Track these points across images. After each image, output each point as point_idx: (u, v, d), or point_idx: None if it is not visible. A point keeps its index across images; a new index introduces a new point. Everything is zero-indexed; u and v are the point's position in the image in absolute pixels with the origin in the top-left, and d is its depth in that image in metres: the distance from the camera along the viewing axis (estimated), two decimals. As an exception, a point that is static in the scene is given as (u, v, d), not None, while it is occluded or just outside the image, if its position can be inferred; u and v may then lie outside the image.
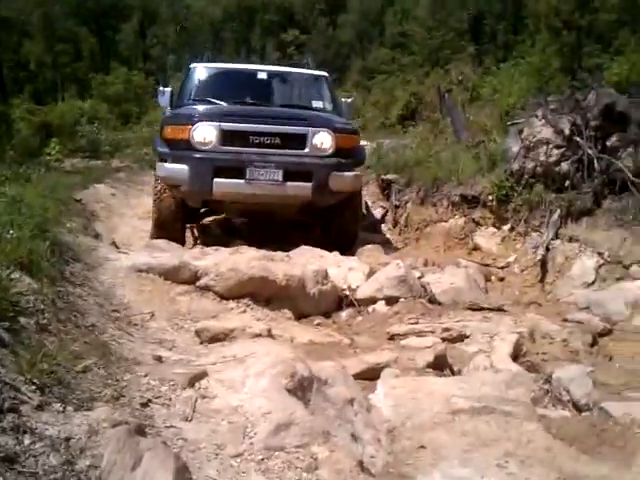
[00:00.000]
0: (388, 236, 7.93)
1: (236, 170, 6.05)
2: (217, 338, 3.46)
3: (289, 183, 6.11)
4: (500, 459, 2.43)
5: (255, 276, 4.25)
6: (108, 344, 2.85)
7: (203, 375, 2.49)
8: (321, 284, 4.63)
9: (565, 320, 4.62)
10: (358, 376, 3.21)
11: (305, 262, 5.02)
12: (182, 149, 6.19)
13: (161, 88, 7.59)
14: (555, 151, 5.99)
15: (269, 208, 6.69)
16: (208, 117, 6.29)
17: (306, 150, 6.27)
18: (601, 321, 4.58)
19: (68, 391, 2.02)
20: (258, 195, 6.14)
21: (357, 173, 6.67)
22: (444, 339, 4.00)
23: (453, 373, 3.51)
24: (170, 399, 2.29)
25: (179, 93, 7.45)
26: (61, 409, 1.85)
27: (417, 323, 4.26)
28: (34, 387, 1.91)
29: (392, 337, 4.10)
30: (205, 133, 6.14)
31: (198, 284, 4.25)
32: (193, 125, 6.15)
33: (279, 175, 6.06)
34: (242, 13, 62.57)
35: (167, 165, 6.26)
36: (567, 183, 5.87)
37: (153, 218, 6.70)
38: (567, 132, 5.96)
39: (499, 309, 4.73)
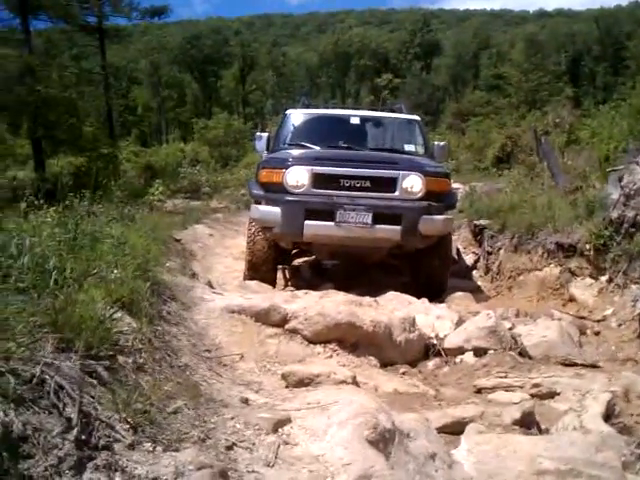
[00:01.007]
0: (479, 283, 7.80)
1: (326, 212, 6.14)
2: (303, 382, 3.51)
3: (378, 226, 6.14)
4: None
5: (342, 322, 4.29)
6: (198, 384, 2.96)
7: (287, 421, 2.54)
8: (408, 332, 4.60)
9: (664, 381, 4.35)
10: (442, 429, 3.16)
11: (392, 308, 5.01)
12: (276, 192, 6.34)
13: (258, 133, 7.87)
14: (657, 200, 5.73)
15: (358, 251, 6.72)
16: (301, 161, 6.46)
17: (396, 193, 6.31)
18: None
19: (159, 431, 2.12)
20: (347, 237, 6.20)
21: (448, 217, 6.64)
22: (533, 395, 3.87)
23: (540, 431, 3.37)
24: (254, 443, 2.35)
25: (275, 138, 7.70)
26: (151, 449, 1.95)
27: (506, 377, 4.14)
28: (128, 426, 2.01)
29: (479, 390, 4.01)
30: (298, 176, 6.29)
31: (287, 327, 4.34)
32: (286, 169, 6.33)
33: (368, 218, 6.12)
34: (338, 59, 64.24)
35: (261, 207, 6.45)
36: (670, 234, 5.59)
37: (246, 259, 6.87)
38: (670, 180, 5.71)
39: (593, 365, 4.52)
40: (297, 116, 7.89)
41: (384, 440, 2.43)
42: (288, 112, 8.00)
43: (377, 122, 8.11)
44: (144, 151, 27.66)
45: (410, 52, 67.75)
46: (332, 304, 4.56)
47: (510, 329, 4.90)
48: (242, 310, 4.37)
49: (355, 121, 7.74)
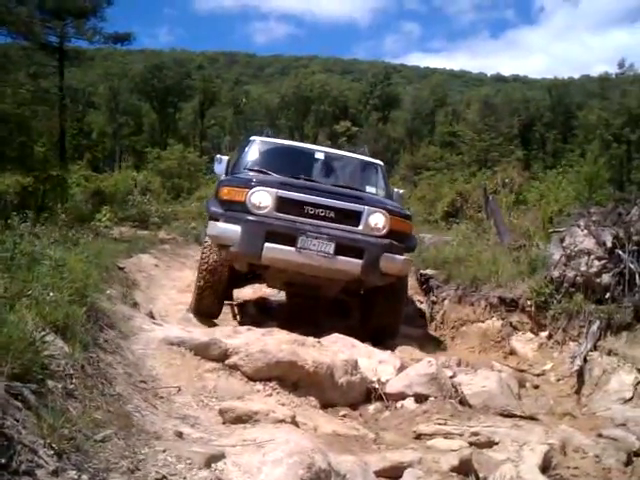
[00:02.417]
0: (422, 332, 7.84)
1: (288, 237, 5.97)
2: (240, 419, 3.42)
3: (340, 257, 5.99)
4: None
5: (284, 360, 4.23)
6: (131, 415, 2.85)
7: (221, 457, 2.47)
8: (350, 374, 4.57)
9: (599, 435, 4.42)
10: (380, 473, 3.13)
11: (336, 350, 4.98)
12: (237, 211, 6.14)
13: (218, 156, 7.73)
14: (596, 262, 5.94)
15: (314, 282, 6.51)
16: (266, 183, 6.29)
17: (359, 227, 6.21)
18: (638, 439, 4.37)
19: (85, 459, 2.03)
20: (307, 265, 6.02)
21: (407, 258, 6.50)
22: (471, 443, 3.87)
23: (478, 480, 3.38)
24: (185, 477, 2.27)
25: (235, 163, 7.57)
26: (76, 477, 1.86)
27: (445, 424, 4.14)
28: (52, 452, 1.92)
29: (418, 436, 4.00)
30: (261, 198, 6.11)
31: (227, 362, 4.25)
32: (250, 189, 6.15)
33: (331, 248, 5.97)
34: (298, 102, 65.10)
35: (220, 224, 6.15)
36: (607, 295, 5.78)
37: (197, 282, 6.60)
38: (609, 244, 5.93)
39: (531, 418, 4.57)
40: (261, 144, 7.76)
41: (319, 480, 2.37)
42: (252, 138, 7.87)
43: (341, 160, 8.01)
44: (95, 176, 27.16)
45: (370, 103, 69.20)
46: (274, 342, 4.52)
47: (451, 377, 4.92)
48: (181, 342, 4.28)
49: (319, 156, 7.67)
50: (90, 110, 53.29)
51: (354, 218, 6.22)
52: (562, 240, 6.48)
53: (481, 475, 3.43)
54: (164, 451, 2.43)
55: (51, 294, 3.23)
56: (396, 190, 8.07)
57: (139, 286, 8.18)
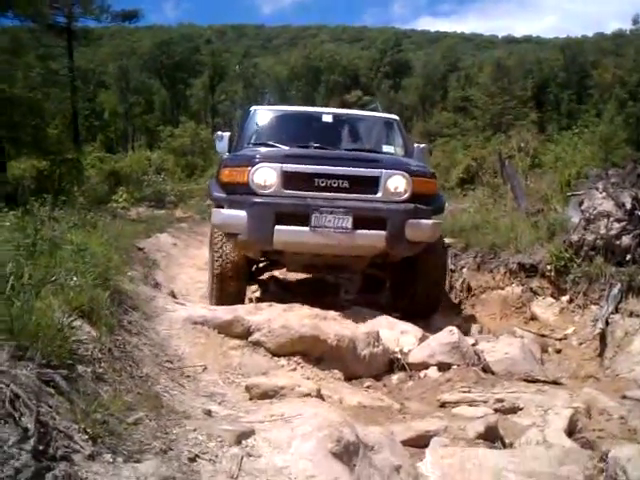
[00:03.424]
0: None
1: (300, 216, 5.39)
2: (266, 395, 3.47)
3: (359, 231, 5.42)
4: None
5: (306, 335, 4.27)
6: (160, 395, 2.90)
7: (250, 433, 2.51)
8: (372, 346, 4.61)
9: (624, 397, 4.42)
10: (406, 443, 3.16)
11: (358, 323, 5.01)
12: (240, 193, 5.59)
13: (219, 133, 7.04)
14: (616, 224, 5.87)
15: (336, 261, 6.01)
16: (269, 159, 5.67)
17: (378, 195, 5.60)
18: (662, 399, 4.39)
19: (119, 442, 2.07)
20: (324, 245, 5.49)
21: (436, 221, 5.89)
22: (496, 410, 3.90)
23: (504, 446, 3.39)
24: (217, 455, 2.31)
25: (238, 138, 6.96)
26: (111, 460, 1.90)
27: (469, 392, 4.17)
28: (87, 436, 1.96)
29: (443, 404, 4.03)
30: (265, 175, 5.53)
31: (250, 339, 4.30)
32: (252, 167, 5.55)
33: (348, 222, 5.40)
34: (308, 73, 64.64)
35: (223, 211, 5.65)
36: (628, 257, 5.73)
37: (213, 275, 5.93)
38: (629, 206, 5.86)
39: (555, 382, 4.59)
40: (263, 114, 7.08)
41: (348, 453, 2.41)
42: (252, 109, 7.18)
43: (352, 121, 7.31)
44: (109, 157, 27.31)
45: (380, 70, 68.58)
46: (296, 317, 4.55)
47: (473, 345, 4.94)
48: (205, 321, 4.33)
49: (327, 119, 6.99)
50: (101, 90, 53.27)
51: (371, 185, 5.62)
52: (580, 203, 6.41)
53: (507, 441, 3.45)
54: (194, 430, 2.48)
55: (75, 279, 3.27)
56: (416, 145, 7.22)
57: (159, 266, 8.26)
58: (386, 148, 6.87)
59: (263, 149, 6.17)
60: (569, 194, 7.21)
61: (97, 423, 2.05)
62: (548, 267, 6.41)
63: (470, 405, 3.93)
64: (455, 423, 3.48)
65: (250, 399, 3.46)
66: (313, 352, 4.31)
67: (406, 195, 5.64)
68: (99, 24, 32.25)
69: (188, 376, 3.56)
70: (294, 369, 4.14)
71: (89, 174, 20.73)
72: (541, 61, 63.92)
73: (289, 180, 5.54)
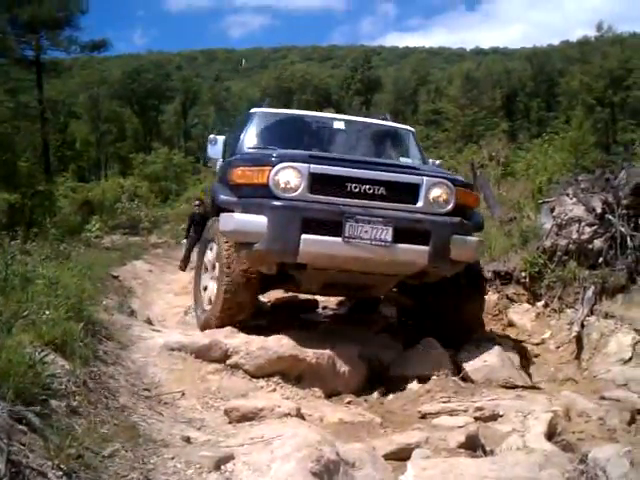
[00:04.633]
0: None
1: (331, 224, 4.58)
2: (246, 417, 3.45)
3: (400, 245, 4.64)
4: None
5: (285, 355, 4.26)
6: (137, 425, 2.88)
7: (230, 458, 2.49)
8: (351, 362, 4.61)
9: (602, 398, 4.49)
10: (388, 456, 3.16)
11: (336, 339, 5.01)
12: (257, 196, 4.78)
13: (212, 136, 6.38)
14: (587, 229, 5.98)
15: (363, 279, 5.17)
16: (294, 158, 4.84)
17: (419, 205, 4.83)
18: (639, 398, 4.46)
19: (95, 475, 2.05)
20: (359, 259, 4.66)
21: (479, 239, 5.32)
22: (477, 418, 3.92)
23: (485, 453, 3.41)
24: (196, 482, 2.29)
25: (234, 143, 6.18)
26: (87, 494, 1.88)
27: (449, 402, 4.19)
28: (61, 472, 1.94)
29: (424, 416, 4.04)
30: (290, 177, 4.68)
31: (228, 362, 4.27)
32: (274, 166, 4.70)
33: (388, 234, 4.60)
34: (280, 94, 64.89)
35: (237, 216, 4.78)
36: (600, 260, 5.82)
37: (221, 295, 5.07)
38: (599, 210, 5.97)
39: (534, 387, 4.64)
40: (266, 117, 6.33)
41: (329, 471, 2.41)
42: (254, 111, 6.42)
43: (366, 129, 6.62)
44: (82, 186, 27.19)
45: (351, 88, 69.11)
46: (274, 338, 4.52)
47: (451, 355, 4.97)
48: (182, 347, 4.29)
49: (339, 126, 6.31)
50: (72, 120, 53.01)
51: (411, 193, 4.86)
52: (552, 210, 6.51)
53: (488, 448, 3.47)
54: (173, 458, 2.46)
55: (47, 312, 3.26)
56: (431, 161, 6.70)
57: (135, 293, 8.21)
58: (403, 160, 6.22)
59: (281, 150, 5.29)
60: (541, 201, 7.33)
61: (71, 458, 2.03)
62: (523, 274, 6.49)
63: (450, 415, 3.95)
64: (436, 434, 3.49)
65: (229, 423, 3.44)
66: (292, 371, 4.30)
67: (449, 207, 4.90)
68: (68, 55, 32.22)
69: (166, 403, 3.53)
70: (273, 390, 4.13)
71: (62, 204, 20.59)
72: (509, 71, 65.01)
73: (317, 183, 4.72)
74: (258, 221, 4.59)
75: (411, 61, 79.63)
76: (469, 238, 4.94)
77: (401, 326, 6.07)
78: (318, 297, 7.57)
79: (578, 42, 63.64)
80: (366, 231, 4.59)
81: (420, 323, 5.69)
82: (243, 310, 5.13)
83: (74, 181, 30.07)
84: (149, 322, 5.90)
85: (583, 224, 6.04)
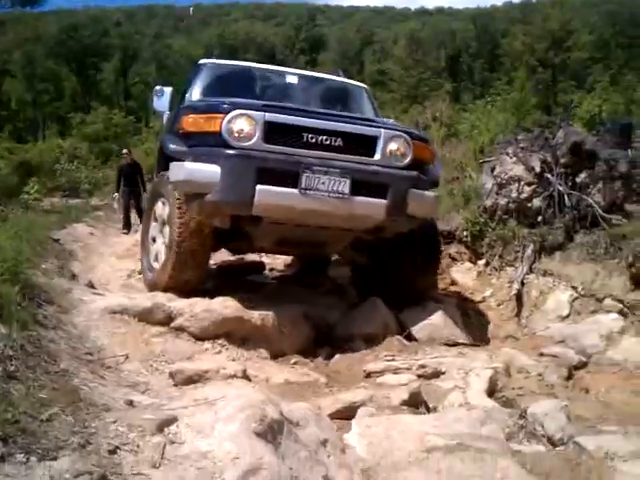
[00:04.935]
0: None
1: (288, 175, 4.43)
2: (191, 380, 3.43)
3: (358, 198, 4.54)
4: (474, 497, 2.43)
5: (230, 316, 4.24)
6: (79, 389, 2.81)
7: (173, 420, 2.47)
8: (297, 322, 4.63)
9: (541, 354, 4.66)
10: (334, 415, 3.20)
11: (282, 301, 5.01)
12: (209, 145, 4.56)
13: (158, 87, 6.06)
14: (527, 188, 6.11)
15: (318, 236, 5.06)
16: (248, 106, 4.63)
17: (376, 157, 4.71)
18: (576, 354, 4.64)
19: (33, 440, 1.99)
20: (315, 212, 4.53)
21: (437, 194, 5.26)
22: (420, 376, 4.01)
23: (428, 410, 3.50)
24: (138, 445, 2.26)
25: (182, 96, 5.95)
26: (24, 460, 1.83)
27: (393, 360, 4.27)
28: (-4, 438, 1.88)
29: (369, 375, 4.11)
30: (244, 125, 4.48)
31: (173, 325, 4.23)
32: (227, 114, 4.49)
33: (346, 186, 4.49)
34: (223, 52, 63.45)
35: (188, 165, 4.50)
36: (539, 219, 5.98)
37: (173, 248, 4.82)
38: (538, 169, 6.09)
39: (475, 344, 4.76)
40: (216, 68, 6.09)
41: (272, 431, 2.41)
42: (203, 62, 6.21)
43: (320, 84, 6.41)
44: (19, 147, 26.15)
45: (296, 47, 68.24)
46: (219, 300, 4.48)
47: (396, 314, 5.04)
48: (124, 310, 4.21)
49: (292, 80, 6.13)
50: (6, 79, 50.70)
51: (368, 146, 4.74)
52: (493, 169, 6.62)
53: (431, 405, 3.57)
54: (115, 422, 2.42)
55: (-21, 276, 3.13)
56: (385, 119, 6.38)
57: (76, 256, 7.97)
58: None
59: (235, 98, 5.02)
60: (482, 161, 7.44)
61: (7, 423, 1.97)
62: (464, 233, 6.63)
63: (395, 373, 4.02)
64: (380, 392, 3.55)
65: (174, 385, 3.42)
66: (237, 333, 4.29)
67: (406, 160, 4.80)
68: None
69: (109, 367, 3.47)
70: (219, 352, 4.11)
71: (-2, 166, 19.79)
72: (454, 32, 65.18)
73: (272, 132, 4.52)
74: (211, 170, 4.38)
75: (356, 20, 78.88)
76: (427, 193, 4.88)
77: (355, 286, 6.04)
78: (265, 259, 7.60)
79: (520, 3, 64.30)
80: (323, 183, 4.46)
81: (374, 283, 5.60)
82: (195, 268, 4.90)
83: (10, 142, 28.86)
84: (91, 286, 5.75)
85: (523, 183, 6.16)
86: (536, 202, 6.06)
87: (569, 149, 5.98)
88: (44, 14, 58.73)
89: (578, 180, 5.96)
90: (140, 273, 6.74)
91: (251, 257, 7.30)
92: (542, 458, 2.89)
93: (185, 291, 4.78)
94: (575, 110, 11.62)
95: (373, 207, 4.61)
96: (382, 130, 4.77)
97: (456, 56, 60.89)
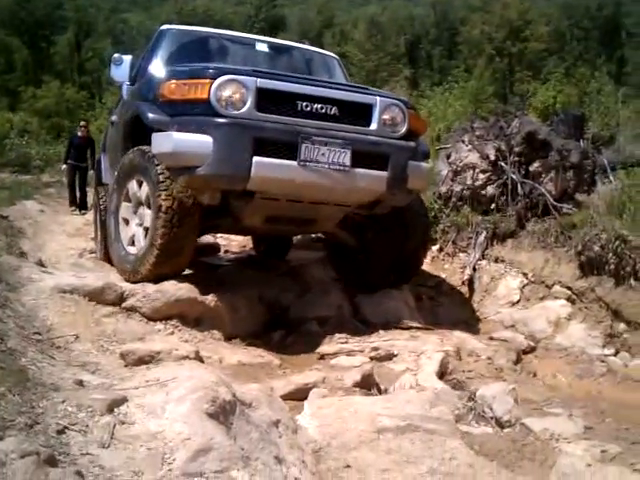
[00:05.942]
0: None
1: (285, 146, 4.11)
2: (143, 361, 3.39)
3: (359, 170, 4.27)
4: (424, 476, 2.48)
5: (183, 297, 4.20)
6: (26, 369, 2.75)
7: (123, 400, 2.44)
8: (252, 305, 4.62)
9: (491, 338, 4.78)
10: (286, 397, 3.22)
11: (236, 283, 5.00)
12: (195, 114, 4.15)
13: (117, 55, 5.49)
14: (481, 175, 6.21)
15: (311, 211, 4.71)
16: (237, 71, 4.27)
17: (372, 127, 4.43)
18: (525, 339, 4.79)
19: (-23, 421, 1.95)
20: (314, 185, 4.23)
21: (429, 166, 5.04)
22: (372, 358, 4.07)
23: (380, 392, 3.56)
24: (87, 425, 2.23)
25: (143, 64, 5.47)
26: (-32, 440, 1.79)
27: (347, 342, 4.32)
28: (-63, 420, 1.83)
29: (322, 357, 4.15)
30: (234, 91, 4.09)
31: (124, 305, 4.15)
32: (215, 79, 4.10)
33: (347, 157, 4.21)
34: (181, 29, 62.41)
35: (176, 135, 4.10)
36: (493, 206, 6.10)
37: (159, 233, 4.31)
38: (492, 157, 6.20)
39: (427, 328, 4.84)
40: (178, 35, 5.66)
41: (224, 412, 2.41)
42: (165, 28, 5.72)
43: (290, 53, 6.11)
44: (-34, 121, 25.26)
45: (255, 26, 67.35)
46: (172, 281, 4.43)
47: (351, 297, 5.08)
48: (74, 289, 4.11)
49: (262, 47, 5.77)
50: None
51: (364, 114, 4.45)
52: (448, 156, 6.71)
53: (383, 387, 3.62)
54: (63, 402, 2.38)
55: None
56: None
57: (26, 234, 7.80)
58: None
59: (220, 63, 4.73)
60: (438, 148, 7.51)
61: (-52, 405, 1.92)
62: (419, 218, 6.68)
63: (348, 355, 4.07)
64: (333, 374, 3.58)
65: (126, 366, 3.37)
66: (191, 314, 4.25)
67: (402, 130, 4.56)
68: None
69: (58, 347, 3.40)
70: (171, 333, 4.06)
71: (-57, 140, 19.12)
72: (414, 17, 65.29)
73: (265, 100, 4.15)
74: (202, 141, 4.01)
75: (317, 2, 78.27)
76: (423, 164, 4.71)
77: (333, 266, 5.84)
78: (220, 241, 7.55)
79: (480, -10, 64.73)
80: (323, 154, 4.16)
81: (354, 263, 5.43)
82: (184, 253, 4.47)
83: (-44, 114, 27.89)
84: (41, 264, 5.62)
85: (477, 171, 6.27)
86: (490, 190, 6.17)
87: (523, 138, 6.09)
88: (-5, -16, 56.73)
89: (531, 169, 6.08)
90: (92, 252, 6.65)
91: (206, 238, 7.22)
92: (490, 439, 2.99)
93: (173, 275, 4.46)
94: (530, 100, 11.77)
95: (374, 180, 4.37)
96: (377, 98, 4.50)
97: (416, 42, 61.09)
